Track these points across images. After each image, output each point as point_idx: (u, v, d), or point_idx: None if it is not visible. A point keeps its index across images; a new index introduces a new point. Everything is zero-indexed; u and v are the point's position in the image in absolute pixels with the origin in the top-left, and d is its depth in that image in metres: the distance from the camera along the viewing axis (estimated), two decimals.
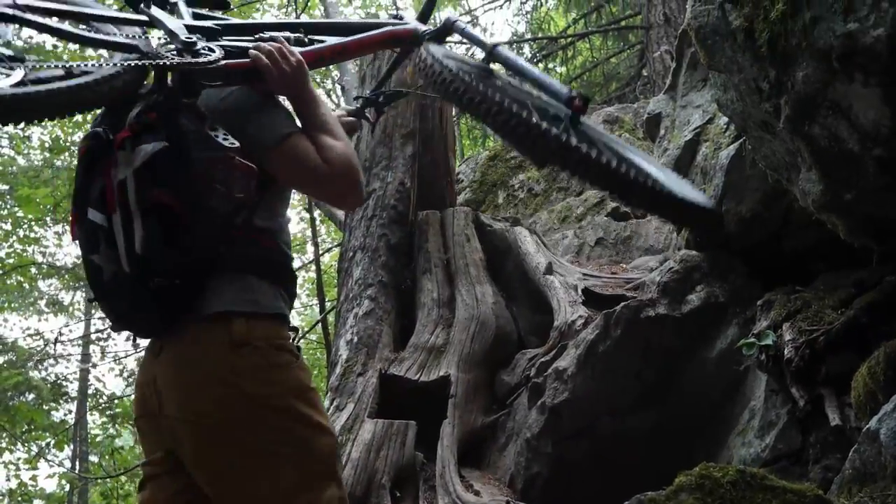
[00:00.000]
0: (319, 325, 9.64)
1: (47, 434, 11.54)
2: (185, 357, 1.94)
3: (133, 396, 2.42)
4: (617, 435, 3.67)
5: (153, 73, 1.91)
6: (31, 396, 11.14)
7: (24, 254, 13.23)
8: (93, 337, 12.46)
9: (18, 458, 11.57)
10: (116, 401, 12.02)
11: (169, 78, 1.92)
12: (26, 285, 13.13)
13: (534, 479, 3.75)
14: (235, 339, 1.92)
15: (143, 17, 2.00)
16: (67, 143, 13.60)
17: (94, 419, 13.11)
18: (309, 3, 12.53)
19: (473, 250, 4.77)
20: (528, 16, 12.30)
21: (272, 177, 2.01)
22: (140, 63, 1.83)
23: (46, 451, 11.42)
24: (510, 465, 3.89)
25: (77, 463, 12.63)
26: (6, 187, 12.37)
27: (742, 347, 3.19)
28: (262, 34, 2.14)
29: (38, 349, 11.52)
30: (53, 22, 1.84)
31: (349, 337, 4.67)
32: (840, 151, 2.23)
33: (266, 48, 2.02)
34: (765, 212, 3.37)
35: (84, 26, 2.00)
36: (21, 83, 1.62)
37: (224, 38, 2.08)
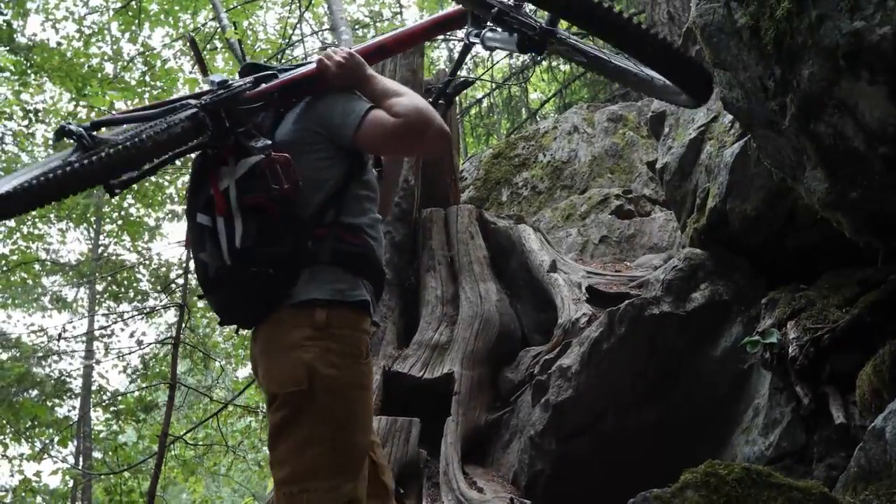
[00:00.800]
0: None
1: (51, 430, 11.54)
2: (272, 337, 2.27)
3: None
4: (620, 432, 3.67)
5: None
6: (34, 392, 11.15)
7: (28, 250, 13.24)
8: (96, 333, 12.48)
9: (22, 454, 11.59)
10: (120, 397, 12.03)
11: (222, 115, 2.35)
12: (30, 282, 13.14)
13: (537, 476, 3.76)
14: (316, 324, 2.21)
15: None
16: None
17: (97, 415, 13.13)
18: (313, 1, 12.53)
19: (477, 248, 4.78)
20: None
21: (355, 164, 2.39)
22: (185, 110, 2.29)
23: (50, 447, 11.42)
24: (514, 462, 3.89)
25: (80, 459, 12.64)
26: None
27: (746, 345, 3.19)
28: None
29: (42, 345, 11.53)
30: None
31: None
32: (846, 149, 2.23)
33: (322, 55, 2.46)
34: (769, 210, 3.36)
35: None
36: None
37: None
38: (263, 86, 2.46)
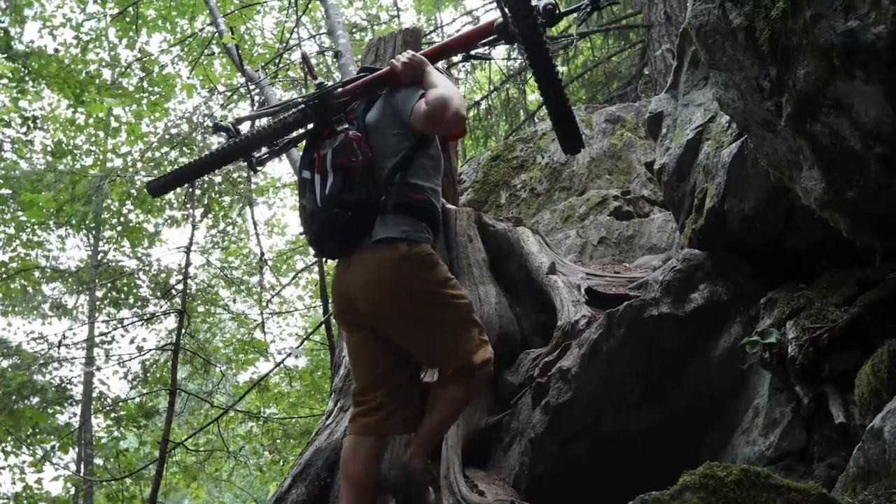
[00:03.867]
0: (323, 326, 9.64)
1: (52, 437, 11.53)
2: (368, 268, 3.15)
3: (331, 300, 3.74)
4: (621, 434, 3.67)
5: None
6: (35, 400, 11.13)
7: (28, 257, 13.23)
8: (97, 340, 12.46)
9: (23, 462, 11.56)
10: (121, 403, 12.02)
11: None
12: (30, 289, 13.12)
13: (538, 478, 3.75)
14: (402, 254, 3.11)
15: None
16: (70, 147, 13.62)
17: (98, 422, 13.11)
18: (310, 5, 12.53)
19: (476, 250, 4.77)
20: None
21: (423, 139, 3.24)
22: (294, 105, 3.39)
23: (51, 454, 11.41)
24: (514, 464, 3.89)
25: (82, 466, 12.62)
26: (9, 191, 12.38)
27: (746, 346, 3.19)
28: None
29: (43, 353, 11.51)
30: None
31: None
32: (842, 149, 2.23)
33: (394, 59, 3.35)
34: (767, 210, 3.37)
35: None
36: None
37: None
38: (351, 84, 3.34)
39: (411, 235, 3.13)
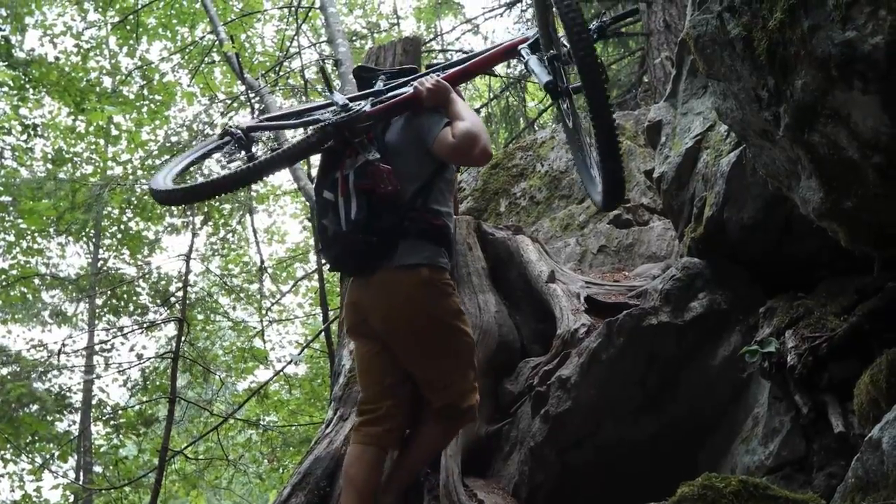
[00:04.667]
0: (322, 334, 9.64)
1: (51, 445, 11.51)
2: (389, 290, 3.25)
3: (344, 313, 3.84)
4: (621, 443, 3.67)
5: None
6: (34, 407, 11.11)
7: (28, 265, 13.23)
8: (96, 348, 12.45)
9: (23, 470, 11.55)
10: (120, 411, 12.00)
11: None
12: (30, 296, 13.11)
13: (538, 487, 3.75)
14: (424, 279, 3.22)
15: (329, 100, 3.55)
16: (70, 155, 13.63)
17: (97, 430, 13.10)
18: (310, 14, 12.56)
19: (476, 259, 4.77)
20: (529, 24, 12.31)
21: (442, 163, 3.33)
22: (315, 126, 3.30)
23: (50, 462, 11.39)
24: (514, 473, 3.89)
25: (81, 474, 12.59)
26: (9, 199, 12.39)
27: (745, 354, 3.19)
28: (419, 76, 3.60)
29: (42, 360, 11.50)
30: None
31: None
32: (840, 159, 2.23)
33: (418, 83, 3.41)
34: (766, 219, 3.37)
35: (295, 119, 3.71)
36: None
37: (391, 89, 3.54)
38: (377, 107, 3.36)
39: (433, 261, 3.24)
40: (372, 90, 3.60)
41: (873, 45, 1.95)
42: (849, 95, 2.08)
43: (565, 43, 3.06)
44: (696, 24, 2.66)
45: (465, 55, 4.11)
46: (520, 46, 3.57)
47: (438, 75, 3.51)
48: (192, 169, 3.67)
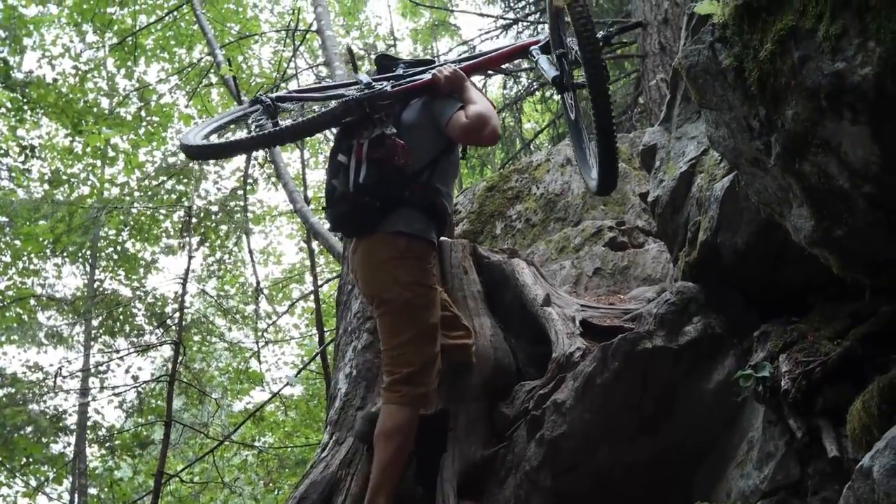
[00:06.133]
0: (318, 357, 9.63)
1: (46, 467, 11.46)
2: (369, 253, 3.64)
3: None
4: (616, 467, 3.67)
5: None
6: (29, 429, 11.07)
7: (24, 285, 13.22)
8: (92, 370, 12.41)
9: (17, 492, 11.49)
10: (116, 433, 11.95)
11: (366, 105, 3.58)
12: (25, 317, 13.09)
13: None
14: (399, 248, 3.57)
15: (355, 80, 4.00)
16: (67, 176, 13.65)
17: (92, 451, 13.03)
18: (307, 36, 12.63)
19: (471, 282, 4.79)
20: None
21: (449, 145, 3.72)
22: (340, 101, 3.59)
23: (45, 484, 11.34)
24: (510, 497, 3.88)
25: (76, 496, 12.53)
26: (5, 219, 12.40)
27: (739, 379, 3.20)
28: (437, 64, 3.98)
29: (38, 381, 11.47)
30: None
31: (348, 370, 4.67)
32: (830, 188, 2.26)
33: (437, 70, 3.75)
34: (760, 244, 3.39)
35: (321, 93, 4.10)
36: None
37: (410, 75, 3.86)
38: (397, 88, 3.68)
39: (419, 232, 3.60)
40: (392, 74, 3.90)
41: (862, 77, 1.97)
42: (839, 126, 2.10)
43: (573, 45, 3.30)
44: (688, 55, 2.70)
45: (479, 53, 4.58)
46: (531, 48, 3.91)
47: (455, 65, 3.82)
48: (220, 132, 3.94)
